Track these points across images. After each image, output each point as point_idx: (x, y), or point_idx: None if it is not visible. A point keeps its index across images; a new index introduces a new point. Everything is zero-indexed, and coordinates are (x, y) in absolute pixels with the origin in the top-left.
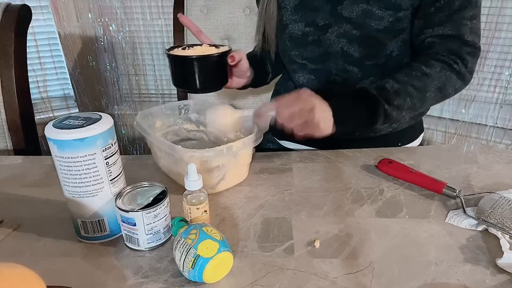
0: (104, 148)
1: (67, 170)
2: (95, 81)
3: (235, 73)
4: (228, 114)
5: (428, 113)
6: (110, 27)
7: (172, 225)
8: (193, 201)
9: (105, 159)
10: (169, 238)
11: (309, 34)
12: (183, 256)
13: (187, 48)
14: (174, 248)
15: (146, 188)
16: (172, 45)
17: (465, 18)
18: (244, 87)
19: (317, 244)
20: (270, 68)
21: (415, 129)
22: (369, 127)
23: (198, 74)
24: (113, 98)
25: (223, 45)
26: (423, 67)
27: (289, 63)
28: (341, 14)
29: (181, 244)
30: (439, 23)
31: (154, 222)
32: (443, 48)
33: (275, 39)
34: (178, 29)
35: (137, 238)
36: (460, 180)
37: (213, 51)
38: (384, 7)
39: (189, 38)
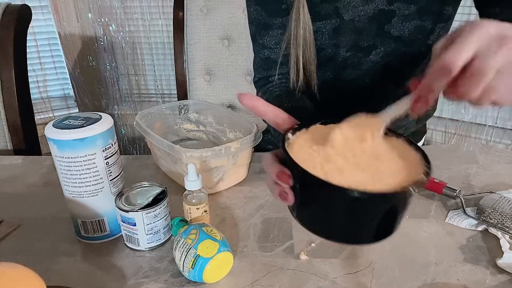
0: (104, 148)
1: (67, 170)
2: (95, 81)
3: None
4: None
5: None
6: (110, 27)
7: (172, 225)
8: (193, 201)
9: (105, 159)
10: (169, 238)
11: (349, 58)
12: (183, 256)
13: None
14: (174, 248)
15: (146, 188)
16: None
17: None
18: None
19: (302, 256)
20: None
21: (419, 132)
22: None
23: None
24: (113, 98)
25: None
26: None
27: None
28: (389, 32)
29: (181, 244)
30: None
31: (154, 222)
32: None
33: (316, 70)
34: (178, 29)
35: (137, 238)
36: (460, 180)
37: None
38: (438, 20)
39: (189, 38)
